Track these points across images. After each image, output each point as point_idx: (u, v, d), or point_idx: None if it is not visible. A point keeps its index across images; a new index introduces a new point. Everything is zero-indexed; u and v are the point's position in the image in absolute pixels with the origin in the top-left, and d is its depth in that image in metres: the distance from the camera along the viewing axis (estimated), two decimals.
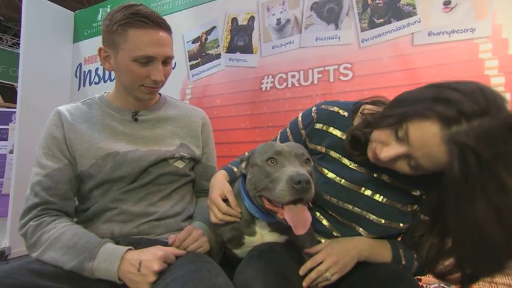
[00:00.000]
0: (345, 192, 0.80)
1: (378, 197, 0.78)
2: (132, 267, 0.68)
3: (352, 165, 0.81)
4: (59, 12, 2.71)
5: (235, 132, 1.91)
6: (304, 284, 0.72)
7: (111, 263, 0.69)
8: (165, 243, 0.78)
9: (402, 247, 0.80)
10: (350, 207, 0.79)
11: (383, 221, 0.77)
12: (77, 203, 0.91)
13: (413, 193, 0.78)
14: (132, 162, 0.86)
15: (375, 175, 0.79)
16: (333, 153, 0.83)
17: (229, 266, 0.76)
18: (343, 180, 0.80)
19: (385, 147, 0.68)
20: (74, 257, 0.71)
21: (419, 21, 1.48)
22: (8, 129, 6.62)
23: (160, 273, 0.68)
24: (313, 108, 0.87)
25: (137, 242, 0.80)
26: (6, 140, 6.67)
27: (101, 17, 2.65)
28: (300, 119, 0.89)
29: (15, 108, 2.48)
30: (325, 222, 0.85)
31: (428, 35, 1.45)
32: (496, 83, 1.30)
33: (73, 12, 2.81)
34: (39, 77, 2.50)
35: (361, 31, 1.60)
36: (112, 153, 0.86)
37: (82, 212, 0.88)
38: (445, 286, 1.21)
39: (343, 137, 0.81)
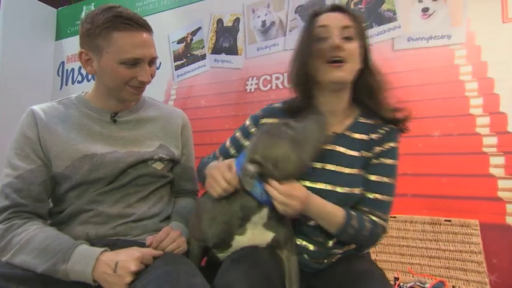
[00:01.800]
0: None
1: (341, 170, 0.82)
2: (108, 268, 0.68)
3: None
4: (41, 9, 2.65)
5: (219, 133, 1.91)
6: (272, 183, 0.71)
7: (86, 264, 0.69)
8: (142, 245, 0.78)
9: (356, 213, 0.81)
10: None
11: (346, 189, 0.81)
12: (51, 205, 0.89)
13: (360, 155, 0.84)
14: (110, 164, 0.85)
15: (325, 146, 0.85)
16: None
17: (210, 269, 0.77)
18: None
19: (329, 40, 0.79)
20: (46, 259, 0.70)
21: (399, 27, 1.52)
22: None
23: (136, 274, 0.68)
24: (260, 110, 0.97)
25: (113, 244, 0.80)
26: None
27: (85, 15, 2.60)
28: (248, 121, 0.96)
29: None
30: None
31: (408, 40, 1.50)
32: (470, 88, 1.35)
33: (56, 9, 2.75)
34: (20, 74, 2.43)
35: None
36: (89, 155, 0.85)
37: (56, 214, 0.87)
38: (420, 284, 1.26)
39: None
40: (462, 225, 1.29)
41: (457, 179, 1.36)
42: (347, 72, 0.80)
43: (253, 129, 0.93)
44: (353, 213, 0.79)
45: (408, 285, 1.27)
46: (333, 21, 0.81)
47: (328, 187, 0.81)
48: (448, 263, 1.29)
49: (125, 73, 0.83)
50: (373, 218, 0.81)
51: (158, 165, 0.93)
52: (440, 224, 1.33)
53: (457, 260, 1.28)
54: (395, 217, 1.42)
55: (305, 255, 0.83)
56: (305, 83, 0.85)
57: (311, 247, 0.83)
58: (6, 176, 0.80)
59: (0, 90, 2.33)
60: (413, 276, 1.32)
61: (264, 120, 0.92)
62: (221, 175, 0.73)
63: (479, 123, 1.34)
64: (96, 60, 0.84)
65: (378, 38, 1.56)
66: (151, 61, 0.88)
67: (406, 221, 1.40)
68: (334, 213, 0.78)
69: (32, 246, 0.72)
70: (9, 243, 0.74)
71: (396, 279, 1.32)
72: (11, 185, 0.79)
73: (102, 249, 0.72)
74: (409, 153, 1.44)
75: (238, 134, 0.97)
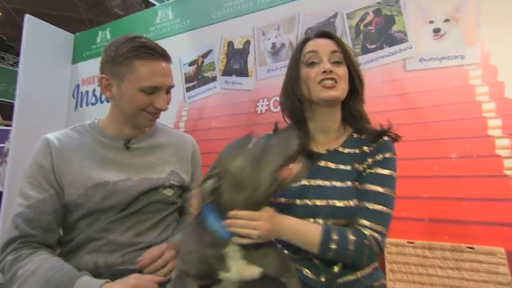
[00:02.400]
0: (297, 189, 0.86)
1: (334, 183, 0.84)
2: None
3: None
4: (59, 34, 2.77)
5: None
6: (231, 213, 0.68)
7: None
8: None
9: (336, 227, 0.78)
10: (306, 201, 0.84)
11: (342, 203, 0.81)
12: (60, 233, 0.88)
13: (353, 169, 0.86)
14: (123, 192, 0.86)
15: (319, 163, 0.87)
16: None
17: None
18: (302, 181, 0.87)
19: (320, 65, 0.86)
20: None
21: (411, 48, 1.51)
22: (3, 147, 6.62)
23: None
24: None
25: (120, 273, 0.78)
26: None
27: (100, 40, 2.70)
28: None
29: None
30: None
31: (420, 61, 1.48)
32: (487, 108, 1.31)
33: (73, 35, 2.86)
34: (37, 96, 2.52)
35: (354, 56, 1.63)
36: (102, 183, 0.85)
37: (66, 242, 0.86)
38: None
39: None
40: (487, 254, 1.21)
41: (479, 203, 1.29)
42: (340, 91, 0.86)
43: None
44: (333, 227, 0.78)
45: None
46: (322, 47, 0.88)
47: (323, 202, 0.81)
48: None
49: (143, 100, 0.86)
50: (363, 230, 0.78)
51: (168, 192, 0.94)
52: (462, 252, 1.26)
53: None
54: (413, 243, 1.35)
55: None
56: (298, 105, 0.90)
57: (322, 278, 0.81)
58: (18, 206, 0.81)
59: (18, 110, 2.40)
60: None
61: None
62: None
63: (499, 145, 1.28)
64: (116, 86, 0.87)
65: (389, 58, 1.54)
66: (168, 89, 0.91)
67: (424, 247, 1.33)
68: (310, 230, 0.76)
69: (36, 278, 0.71)
70: (15, 275, 0.73)
71: None
72: (22, 215, 0.79)
73: (103, 281, 0.71)
74: (424, 175, 1.40)
75: None
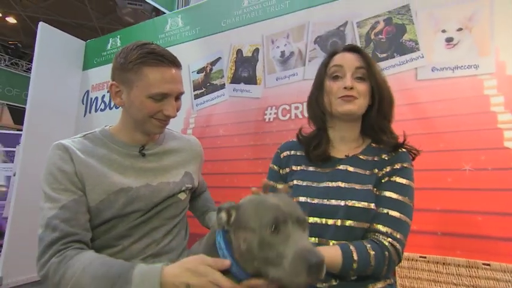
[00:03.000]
0: (317, 190, 0.87)
1: (353, 186, 0.84)
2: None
3: (316, 169, 0.92)
4: (70, 41, 2.82)
5: (237, 162, 1.88)
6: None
7: (151, 285, 0.64)
8: None
9: (354, 244, 0.76)
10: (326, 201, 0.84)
11: (363, 204, 0.80)
12: None
13: (372, 173, 0.86)
14: (145, 197, 0.87)
15: (338, 167, 0.88)
16: (296, 167, 0.96)
17: None
18: (315, 183, 0.89)
19: (343, 79, 0.87)
20: (109, 287, 0.66)
21: (423, 57, 1.48)
22: (14, 151, 6.72)
23: None
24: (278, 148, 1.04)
25: None
26: (12, 162, 6.73)
27: (111, 47, 2.73)
28: (270, 165, 1.02)
29: None
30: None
31: (432, 70, 1.45)
32: (503, 119, 1.28)
33: (84, 42, 2.91)
34: (47, 102, 2.56)
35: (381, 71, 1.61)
36: (125, 188, 0.85)
37: None
38: None
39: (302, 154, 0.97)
40: (504, 271, 1.16)
41: (495, 217, 1.24)
42: (357, 106, 0.87)
43: (276, 167, 1.00)
44: (351, 247, 0.75)
45: None
46: (348, 62, 0.89)
47: (342, 203, 0.81)
48: None
49: (152, 106, 0.85)
50: (381, 238, 0.78)
51: (182, 196, 0.96)
52: (477, 268, 1.20)
53: None
54: (425, 257, 1.30)
55: None
56: (320, 115, 0.94)
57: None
58: (49, 210, 0.78)
59: (29, 115, 2.44)
60: None
61: (283, 155, 1.00)
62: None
63: None
64: (125, 93, 0.87)
65: (401, 67, 1.52)
66: (178, 96, 0.91)
67: (438, 263, 1.28)
68: (330, 254, 0.73)
69: (90, 275, 0.68)
70: (63, 277, 0.70)
71: None
72: (58, 216, 0.76)
73: (160, 265, 0.67)
74: (436, 187, 1.36)
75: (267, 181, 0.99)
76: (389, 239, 0.78)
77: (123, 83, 0.87)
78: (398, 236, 0.78)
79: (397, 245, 0.77)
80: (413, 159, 0.90)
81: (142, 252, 0.85)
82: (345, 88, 0.86)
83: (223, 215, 0.66)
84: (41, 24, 2.58)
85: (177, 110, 0.92)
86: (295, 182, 0.91)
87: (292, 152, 0.98)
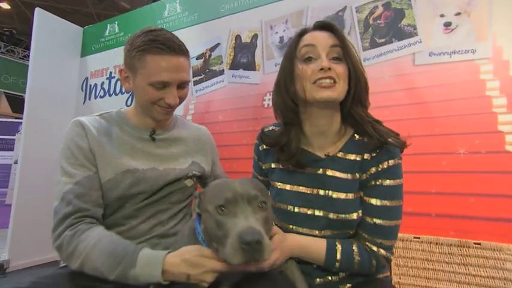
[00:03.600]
0: (296, 195, 0.83)
1: (334, 195, 0.79)
2: (180, 278, 0.68)
3: (295, 168, 0.84)
4: (68, 28, 2.79)
5: (236, 148, 1.91)
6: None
7: (154, 269, 0.69)
8: None
9: (342, 243, 0.78)
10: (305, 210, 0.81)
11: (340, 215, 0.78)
12: None
13: (354, 178, 0.80)
14: (151, 180, 0.90)
15: (317, 171, 0.82)
16: (275, 165, 0.89)
17: None
18: (294, 186, 0.84)
19: (317, 61, 0.77)
20: (115, 265, 0.71)
21: (420, 42, 1.49)
22: (14, 139, 6.73)
23: None
24: (257, 136, 0.95)
25: None
26: (12, 150, 6.76)
27: (109, 33, 2.71)
28: (254, 155, 0.96)
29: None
30: None
31: (429, 55, 1.46)
32: (498, 104, 1.30)
33: (82, 28, 2.88)
34: (46, 89, 2.55)
35: (363, 50, 1.62)
36: (132, 169, 0.89)
37: None
38: None
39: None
40: (494, 249, 1.21)
41: (487, 199, 1.29)
42: (338, 92, 0.76)
43: (256, 158, 0.95)
44: (338, 245, 0.77)
45: None
46: (321, 41, 0.78)
47: (321, 213, 0.79)
48: None
49: (153, 94, 0.87)
50: (372, 246, 0.77)
51: (188, 182, 0.97)
52: (469, 247, 1.26)
53: (489, 287, 1.20)
54: (419, 238, 1.35)
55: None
56: (291, 105, 0.81)
57: (317, 280, 0.82)
58: (64, 184, 0.82)
59: (29, 103, 2.44)
60: None
61: (262, 147, 0.92)
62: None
63: (509, 141, 1.27)
64: (132, 79, 0.89)
65: (398, 53, 1.53)
66: (182, 85, 0.90)
67: (431, 242, 1.33)
68: (316, 249, 0.77)
69: (99, 251, 0.73)
70: (76, 249, 0.75)
71: None
72: (72, 191, 0.81)
73: (164, 252, 0.71)
74: (431, 171, 1.39)
75: (253, 171, 0.99)
76: (380, 249, 0.77)
77: (129, 69, 0.89)
78: (388, 244, 0.77)
79: (386, 253, 0.77)
80: (401, 151, 0.80)
81: (149, 232, 0.88)
82: (322, 70, 0.75)
83: (196, 200, 0.71)
84: (37, 10, 2.55)
85: (183, 98, 0.93)
86: (275, 183, 0.86)
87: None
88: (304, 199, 0.81)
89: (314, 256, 0.77)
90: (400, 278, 1.35)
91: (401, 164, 0.79)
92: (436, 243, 1.32)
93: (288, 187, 0.84)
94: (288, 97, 0.81)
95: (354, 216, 0.76)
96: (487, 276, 1.21)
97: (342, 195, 0.78)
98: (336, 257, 0.75)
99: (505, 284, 1.17)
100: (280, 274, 0.78)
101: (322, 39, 0.78)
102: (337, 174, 0.79)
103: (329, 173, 0.80)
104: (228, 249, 0.58)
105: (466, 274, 1.24)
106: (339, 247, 0.76)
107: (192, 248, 0.70)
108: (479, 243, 1.24)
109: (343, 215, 0.77)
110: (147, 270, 0.69)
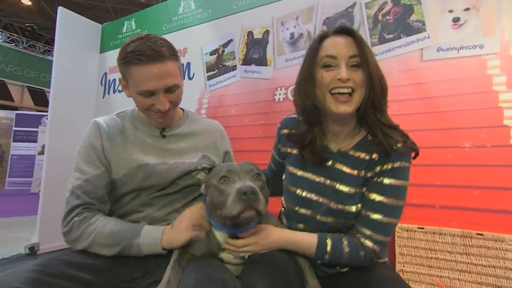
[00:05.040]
0: (305, 181, 0.90)
1: (338, 186, 0.86)
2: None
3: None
4: (88, 25, 2.92)
5: (248, 141, 1.99)
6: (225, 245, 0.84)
7: (155, 237, 0.85)
8: None
9: (332, 237, 0.83)
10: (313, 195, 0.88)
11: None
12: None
13: (359, 175, 0.85)
14: (161, 173, 0.97)
15: (327, 163, 0.88)
16: (291, 149, 0.96)
17: None
18: (305, 173, 0.91)
19: (337, 69, 0.80)
20: (122, 239, 0.84)
21: (429, 37, 1.51)
22: (37, 131, 7.04)
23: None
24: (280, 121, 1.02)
25: None
26: (35, 141, 7.08)
27: (126, 29, 2.82)
28: (276, 141, 1.04)
29: (45, 111, 2.66)
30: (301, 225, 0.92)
31: (437, 50, 1.49)
32: (504, 98, 1.32)
33: (101, 25, 3.00)
34: (69, 85, 2.70)
35: (372, 46, 1.65)
36: (143, 164, 0.97)
37: (113, 212, 0.99)
38: None
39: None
40: (496, 240, 1.25)
41: (491, 191, 1.32)
42: (353, 106, 0.80)
43: (279, 145, 1.00)
44: (328, 239, 0.82)
45: None
46: (341, 50, 0.80)
47: (324, 200, 0.86)
48: (480, 278, 1.26)
49: (144, 102, 0.93)
50: (362, 239, 0.81)
51: (201, 176, 1.03)
52: (471, 238, 1.30)
53: (490, 275, 1.25)
54: (423, 228, 1.40)
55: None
56: (312, 110, 0.85)
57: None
58: (76, 179, 0.93)
59: (54, 98, 2.59)
60: None
61: (283, 132, 0.99)
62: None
63: None
64: (127, 88, 0.97)
65: (407, 48, 1.56)
66: (170, 89, 0.92)
67: (434, 233, 1.38)
68: (306, 244, 0.83)
69: (106, 231, 0.86)
70: (85, 231, 0.87)
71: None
72: (81, 187, 0.92)
73: (164, 227, 0.87)
74: (437, 164, 1.43)
75: (273, 153, 1.07)
76: (368, 241, 0.80)
77: (123, 79, 0.96)
78: (379, 238, 0.80)
79: (376, 248, 0.80)
80: (414, 158, 0.84)
81: (165, 219, 0.96)
82: (339, 80, 0.78)
83: (203, 186, 0.88)
84: (60, 9, 2.68)
85: (175, 101, 0.96)
86: (289, 167, 0.95)
87: (291, 131, 0.95)
88: (312, 186, 0.88)
89: (304, 249, 0.84)
90: (403, 266, 1.41)
91: (409, 168, 0.82)
92: (440, 234, 1.36)
93: (299, 173, 0.91)
94: (309, 100, 0.84)
95: (353, 208, 0.83)
96: (488, 266, 1.25)
97: (346, 188, 0.84)
98: (327, 249, 0.82)
99: (505, 273, 1.21)
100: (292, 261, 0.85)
101: (343, 49, 0.80)
102: (345, 168, 0.86)
103: (338, 166, 0.87)
104: (228, 203, 0.71)
105: (468, 263, 1.29)
106: (329, 240, 0.82)
107: (180, 216, 0.88)
108: (481, 234, 1.28)
109: (342, 206, 0.84)
110: (148, 240, 0.83)
